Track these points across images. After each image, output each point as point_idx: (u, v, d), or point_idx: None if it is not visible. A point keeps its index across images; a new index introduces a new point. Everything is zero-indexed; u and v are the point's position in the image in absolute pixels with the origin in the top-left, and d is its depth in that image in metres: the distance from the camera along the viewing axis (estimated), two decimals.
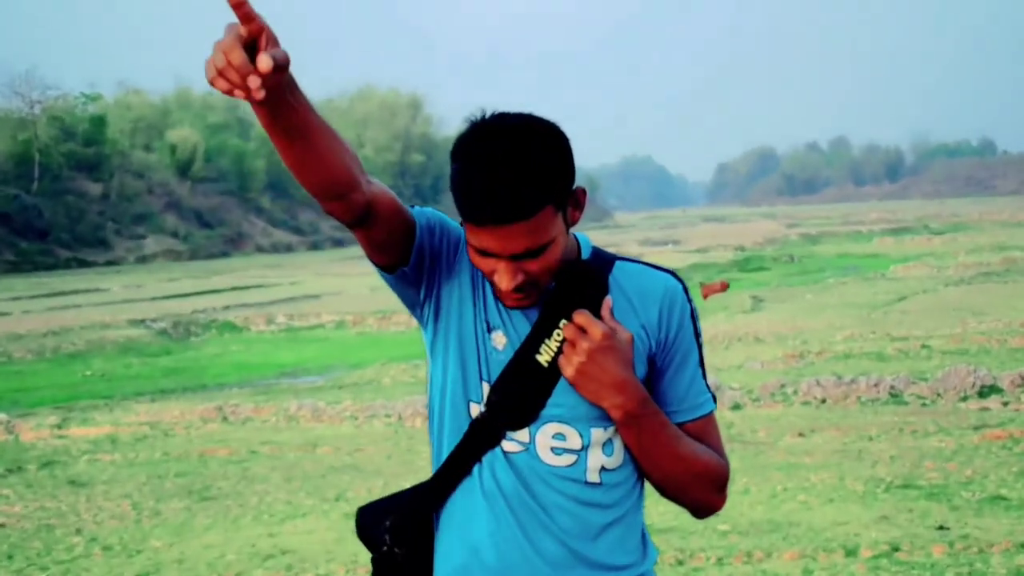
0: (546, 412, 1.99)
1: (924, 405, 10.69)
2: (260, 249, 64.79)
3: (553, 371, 1.96)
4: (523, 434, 1.99)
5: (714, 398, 2.08)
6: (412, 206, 2.02)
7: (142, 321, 23.62)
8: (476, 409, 2.01)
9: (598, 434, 2.00)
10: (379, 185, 1.93)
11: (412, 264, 2.00)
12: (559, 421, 1.98)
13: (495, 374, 2.00)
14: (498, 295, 1.99)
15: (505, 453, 1.99)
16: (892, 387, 11.15)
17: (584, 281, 1.98)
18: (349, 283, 32.22)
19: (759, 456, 8.83)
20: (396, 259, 2.00)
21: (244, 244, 65.40)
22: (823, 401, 11.03)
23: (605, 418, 1.98)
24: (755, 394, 11.43)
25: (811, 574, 5.90)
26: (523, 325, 2.00)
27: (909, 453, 8.62)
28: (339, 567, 6.46)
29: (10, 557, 7.08)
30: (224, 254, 61.40)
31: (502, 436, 1.99)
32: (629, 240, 51.09)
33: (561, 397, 1.98)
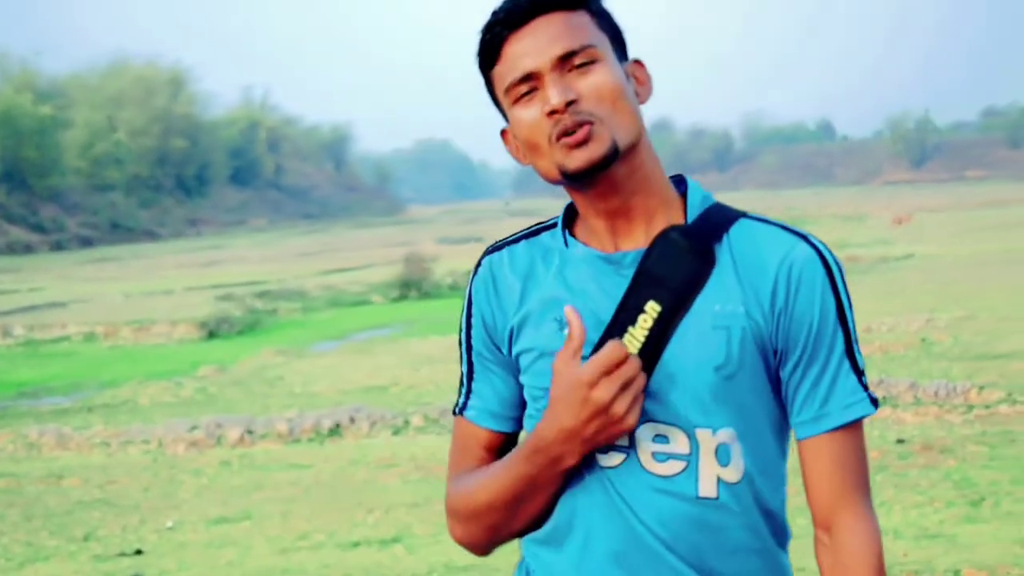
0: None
1: None
2: None
3: (644, 362, 1.72)
4: (622, 439, 1.76)
5: (874, 401, 1.78)
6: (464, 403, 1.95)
7: None
8: None
9: (705, 436, 1.77)
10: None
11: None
12: (656, 420, 1.77)
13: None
14: (555, 142, 1.76)
15: (602, 469, 1.79)
16: None
17: (680, 251, 1.77)
18: (100, 289, 31.33)
19: None
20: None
21: None
22: None
23: (718, 416, 1.76)
24: None
25: None
26: (603, 303, 1.80)
27: None
28: None
29: None
30: None
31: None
32: (424, 237, 51.43)
33: (657, 389, 1.76)
